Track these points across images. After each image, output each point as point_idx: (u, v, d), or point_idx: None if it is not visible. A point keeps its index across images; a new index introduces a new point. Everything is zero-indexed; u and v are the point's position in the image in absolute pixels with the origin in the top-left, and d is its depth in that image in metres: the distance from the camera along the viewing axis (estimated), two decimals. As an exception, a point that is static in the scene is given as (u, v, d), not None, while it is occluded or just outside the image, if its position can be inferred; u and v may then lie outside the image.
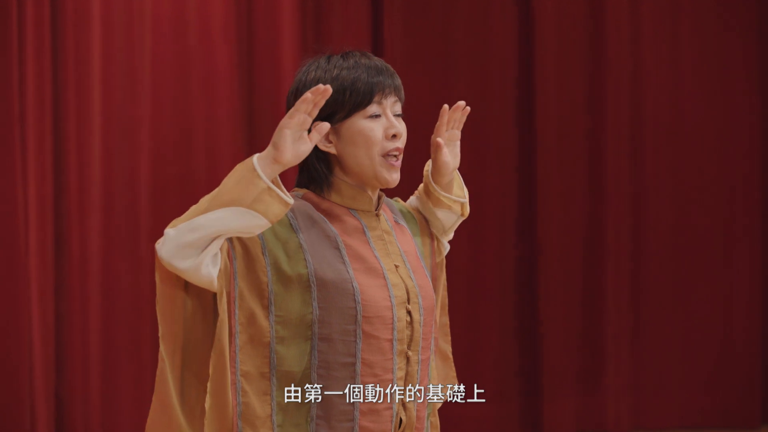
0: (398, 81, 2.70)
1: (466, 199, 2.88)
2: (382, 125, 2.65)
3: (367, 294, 2.58)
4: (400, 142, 2.68)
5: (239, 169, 2.48)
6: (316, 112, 2.48)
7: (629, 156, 6.18)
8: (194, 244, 2.45)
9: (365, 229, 2.66)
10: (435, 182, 2.83)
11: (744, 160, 6.27)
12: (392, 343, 2.60)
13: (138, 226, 5.41)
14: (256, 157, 2.48)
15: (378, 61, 2.68)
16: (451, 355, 2.92)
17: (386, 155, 2.66)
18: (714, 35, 6.21)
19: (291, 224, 2.58)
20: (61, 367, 5.32)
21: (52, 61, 5.26)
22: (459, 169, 2.87)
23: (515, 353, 6.18)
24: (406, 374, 2.64)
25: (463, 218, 2.90)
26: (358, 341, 2.57)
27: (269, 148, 2.47)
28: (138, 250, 5.38)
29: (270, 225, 2.47)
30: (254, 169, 2.45)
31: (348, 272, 2.58)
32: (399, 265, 2.67)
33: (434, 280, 2.82)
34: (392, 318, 2.60)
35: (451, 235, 2.93)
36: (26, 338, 5.19)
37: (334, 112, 2.63)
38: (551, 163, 6.12)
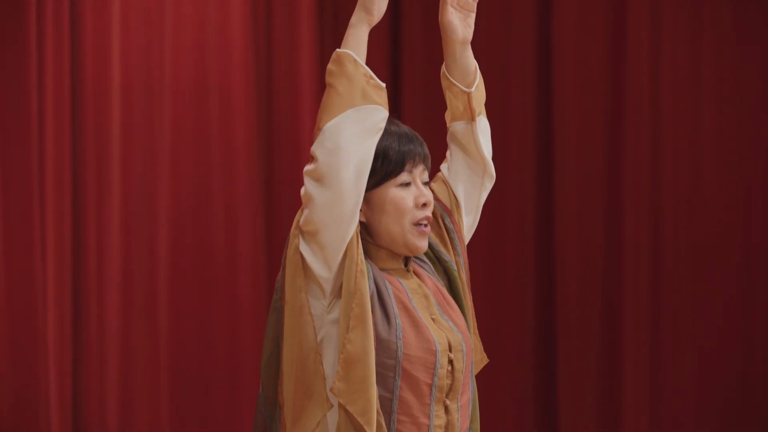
0: (426, 149, 2.73)
1: (480, 92, 2.89)
2: (413, 194, 2.67)
3: (408, 334, 2.59)
4: (429, 211, 2.70)
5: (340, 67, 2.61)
6: None
7: (649, 169, 6.14)
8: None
9: (403, 285, 2.67)
10: (447, 64, 2.86)
11: (766, 175, 6.22)
12: (431, 389, 2.61)
13: (155, 294, 5.40)
14: (347, 47, 2.64)
15: (407, 129, 2.72)
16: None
17: (416, 224, 2.68)
18: (735, 53, 6.20)
19: None
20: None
21: (72, 127, 5.29)
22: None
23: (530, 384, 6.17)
24: (447, 423, 2.64)
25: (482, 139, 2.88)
26: (396, 378, 2.58)
27: (360, 14, 2.66)
28: (156, 314, 5.38)
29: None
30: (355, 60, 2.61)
31: (394, 309, 2.60)
32: (436, 318, 2.67)
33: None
34: (435, 363, 2.61)
35: (479, 210, 2.92)
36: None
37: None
38: (569, 181, 6.10)
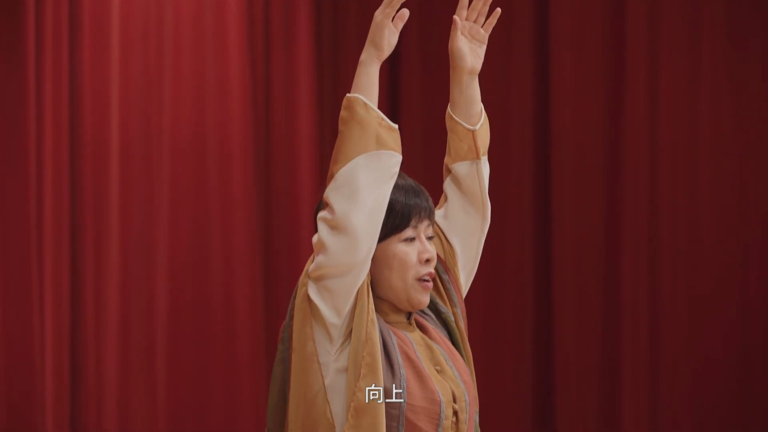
0: (432, 203, 2.73)
1: (485, 131, 2.86)
2: (417, 249, 2.68)
3: (413, 385, 2.59)
4: (432, 267, 2.70)
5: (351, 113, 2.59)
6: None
7: (647, 180, 6.15)
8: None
9: (408, 337, 2.67)
10: (452, 98, 2.84)
11: (763, 184, 6.22)
12: None
13: (154, 348, 5.40)
14: (358, 89, 2.60)
15: (413, 182, 2.72)
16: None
17: (419, 279, 2.68)
18: (732, 89, 6.22)
19: None
20: None
21: (70, 182, 5.30)
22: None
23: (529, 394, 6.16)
24: None
25: (482, 173, 2.85)
26: (400, 428, 2.58)
27: (369, 50, 2.61)
28: (154, 369, 5.37)
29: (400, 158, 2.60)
30: (366, 104, 2.59)
31: (398, 360, 2.60)
32: (441, 369, 2.67)
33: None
34: (439, 414, 2.61)
35: (477, 257, 2.89)
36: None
37: None
38: (566, 198, 6.10)
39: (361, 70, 2.61)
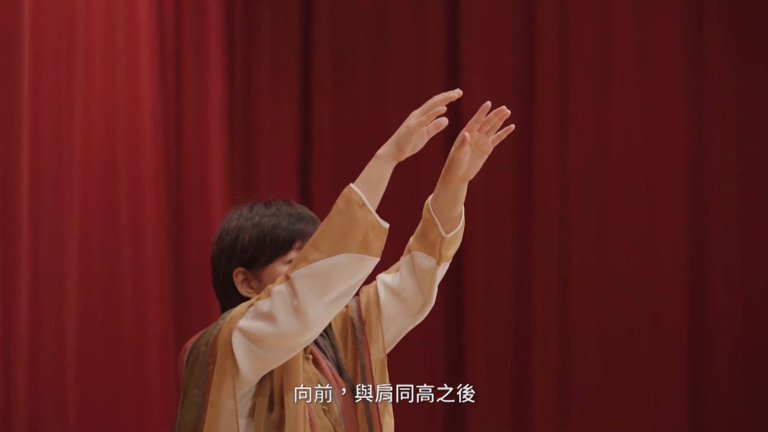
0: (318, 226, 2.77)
1: (456, 239, 2.81)
2: (301, 271, 2.72)
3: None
4: None
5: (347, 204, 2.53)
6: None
7: (558, 185, 6.20)
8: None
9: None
10: (436, 194, 2.78)
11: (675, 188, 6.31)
12: None
13: (63, 369, 5.38)
14: (364, 183, 2.54)
15: (300, 209, 2.76)
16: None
17: None
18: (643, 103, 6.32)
19: None
20: None
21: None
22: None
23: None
24: None
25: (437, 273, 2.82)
26: None
27: (390, 148, 2.55)
28: (64, 392, 5.36)
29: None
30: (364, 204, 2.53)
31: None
32: (327, 409, 2.70)
33: (366, 369, 2.80)
34: None
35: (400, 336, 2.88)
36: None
37: (255, 259, 2.70)
38: (479, 199, 6.13)
39: (374, 164, 2.56)
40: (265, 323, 2.53)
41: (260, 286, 2.70)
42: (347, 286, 2.53)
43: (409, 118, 2.57)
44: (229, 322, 2.56)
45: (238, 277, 2.72)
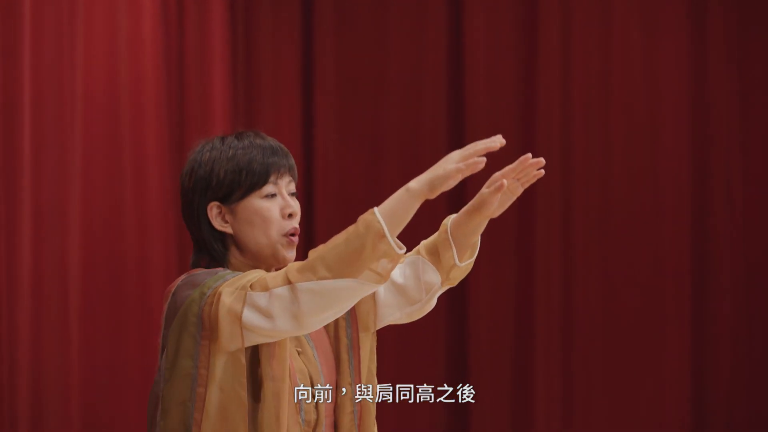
0: (292, 161, 2.74)
1: (465, 269, 2.80)
2: (279, 205, 2.69)
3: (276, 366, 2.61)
4: (296, 222, 2.72)
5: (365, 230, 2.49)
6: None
7: (559, 137, 6.20)
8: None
9: None
10: (458, 220, 2.76)
11: (673, 228, 6.30)
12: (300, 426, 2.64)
13: (67, 301, 5.40)
14: (388, 213, 2.49)
15: (272, 141, 2.73)
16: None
17: (285, 234, 2.69)
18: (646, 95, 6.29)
19: None
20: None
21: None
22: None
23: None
24: None
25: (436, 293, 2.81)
26: None
27: (423, 187, 2.48)
28: (68, 325, 5.39)
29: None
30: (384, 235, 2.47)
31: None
32: (301, 350, 2.70)
33: (354, 349, 2.79)
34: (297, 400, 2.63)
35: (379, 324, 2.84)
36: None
37: (230, 193, 2.68)
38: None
39: (404, 197, 2.50)
40: (261, 317, 2.52)
41: (234, 219, 2.68)
42: (350, 303, 2.53)
43: (447, 159, 2.50)
44: (228, 311, 2.55)
45: (213, 211, 2.70)
